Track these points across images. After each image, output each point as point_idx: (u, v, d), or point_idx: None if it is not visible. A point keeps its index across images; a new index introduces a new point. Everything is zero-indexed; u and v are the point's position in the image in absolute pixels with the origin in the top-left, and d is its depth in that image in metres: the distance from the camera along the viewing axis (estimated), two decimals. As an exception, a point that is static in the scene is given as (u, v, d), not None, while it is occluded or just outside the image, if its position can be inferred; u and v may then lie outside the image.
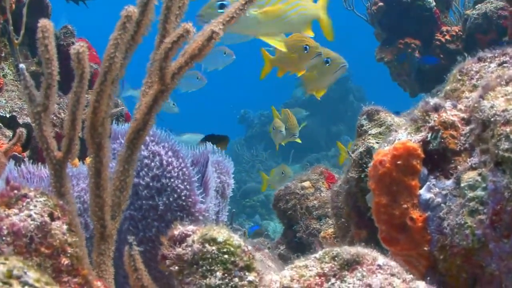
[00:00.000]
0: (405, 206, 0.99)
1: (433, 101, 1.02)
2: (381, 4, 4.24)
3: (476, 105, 0.95)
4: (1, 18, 2.43)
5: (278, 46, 2.36)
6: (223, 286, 0.81)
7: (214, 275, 0.81)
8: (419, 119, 1.03)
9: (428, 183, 0.99)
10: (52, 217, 0.88)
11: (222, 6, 1.99)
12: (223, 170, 1.58)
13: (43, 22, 0.87)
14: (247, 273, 0.82)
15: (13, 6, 2.44)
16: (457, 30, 4.12)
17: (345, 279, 0.82)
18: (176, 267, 0.85)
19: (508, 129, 0.88)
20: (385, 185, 1.00)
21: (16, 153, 1.97)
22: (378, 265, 0.83)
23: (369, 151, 1.62)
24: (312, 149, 10.03)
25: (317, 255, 0.86)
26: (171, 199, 1.42)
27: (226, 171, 1.59)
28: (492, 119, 0.91)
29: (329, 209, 2.07)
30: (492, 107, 0.92)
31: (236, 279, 0.81)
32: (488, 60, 1.08)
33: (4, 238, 0.84)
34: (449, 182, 0.97)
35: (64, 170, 0.98)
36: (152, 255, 1.43)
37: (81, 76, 0.90)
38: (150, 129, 1.00)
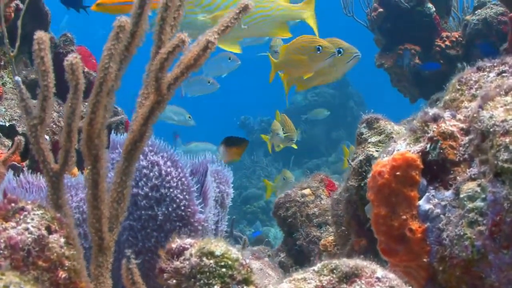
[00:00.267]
0: (404, 217, 0.98)
1: (432, 111, 1.01)
2: (381, 10, 4.24)
3: (475, 115, 0.95)
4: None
5: (234, 50, 2.32)
6: (221, 300, 0.80)
7: (211, 288, 0.81)
8: (418, 129, 1.02)
9: (427, 194, 0.98)
10: (49, 230, 0.88)
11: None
12: (222, 180, 1.58)
13: (39, 34, 0.87)
14: (245, 287, 0.81)
15: (12, 14, 2.43)
16: (457, 36, 4.11)
17: (343, 292, 0.82)
18: (174, 281, 0.84)
19: (507, 140, 0.87)
20: (384, 196, 1.00)
21: (15, 163, 1.97)
22: (377, 278, 0.83)
23: (368, 160, 1.62)
24: (312, 155, 10.02)
25: (315, 268, 0.86)
26: (170, 209, 1.42)
27: (225, 180, 1.59)
28: (491, 130, 0.90)
29: (330, 217, 2.06)
30: (491, 117, 0.91)
31: (234, 293, 0.81)
32: (487, 69, 1.07)
33: (1, 251, 0.83)
34: (448, 193, 0.97)
35: (61, 182, 0.97)
36: (151, 266, 1.42)
37: (75, 87, 0.90)
38: (147, 140, 0.99)
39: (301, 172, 8.41)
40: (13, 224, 0.86)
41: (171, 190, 1.41)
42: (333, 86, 11.07)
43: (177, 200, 1.41)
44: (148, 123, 0.97)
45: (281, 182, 4.33)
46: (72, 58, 0.88)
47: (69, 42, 2.93)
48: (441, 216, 0.96)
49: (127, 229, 1.44)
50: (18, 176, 1.57)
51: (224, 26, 0.95)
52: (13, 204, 0.88)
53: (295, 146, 4.01)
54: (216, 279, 0.81)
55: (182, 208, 1.41)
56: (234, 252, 0.83)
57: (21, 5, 2.53)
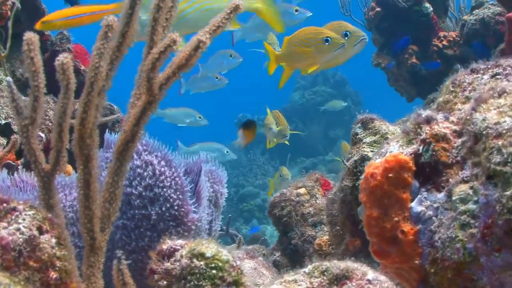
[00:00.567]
0: (396, 219, 0.98)
1: (425, 113, 1.01)
2: (378, 9, 4.24)
3: (468, 117, 0.95)
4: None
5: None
6: (211, 302, 0.80)
7: (202, 290, 0.81)
8: (411, 131, 1.02)
9: (419, 196, 0.98)
10: (40, 231, 0.88)
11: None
12: (216, 180, 1.58)
13: (28, 35, 0.86)
14: (235, 289, 0.81)
15: (9, 12, 2.43)
16: (454, 36, 4.11)
17: (334, 294, 0.82)
18: (165, 282, 0.84)
19: (500, 142, 0.87)
20: (377, 198, 0.99)
21: (10, 161, 1.96)
22: (368, 280, 0.83)
23: (363, 160, 1.61)
24: (309, 154, 10.03)
25: (306, 270, 0.86)
26: (163, 208, 1.42)
27: (219, 180, 1.59)
28: (484, 132, 0.90)
29: (325, 217, 2.06)
30: (484, 119, 0.91)
31: (224, 294, 0.81)
32: (481, 71, 1.07)
33: (-8, 252, 0.83)
34: (440, 195, 0.96)
35: (52, 182, 0.97)
36: (145, 265, 1.42)
37: (66, 87, 0.90)
38: (139, 140, 0.99)
39: (297, 170, 8.41)
40: (5, 224, 0.86)
41: (164, 189, 1.41)
42: (330, 85, 11.09)
43: (171, 200, 1.42)
44: (140, 124, 0.97)
45: (278, 179, 4.34)
46: (63, 57, 0.87)
47: (65, 40, 2.93)
48: (433, 218, 0.96)
49: (121, 228, 1.44)
50: (13, 174, 1.57)
51: (216, 26, 0.94)
52: (4, 205, 0.88)
53: (287, 142, 4.00)
54: (206, 280, 0.81)
55: (176, 207, 1.41)
56: (225, 253, 0.83)
57: (18, 4, 2.53)
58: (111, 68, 0.94)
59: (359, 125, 1.70)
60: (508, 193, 0.85)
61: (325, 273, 0.84)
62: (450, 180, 0.96)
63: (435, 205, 0.96)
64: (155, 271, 0.85)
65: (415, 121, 1.02)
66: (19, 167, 1.97)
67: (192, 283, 0.81)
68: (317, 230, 2.27)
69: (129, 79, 1.03)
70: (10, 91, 0.91)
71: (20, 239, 0.85)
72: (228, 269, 0.82)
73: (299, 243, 2.29)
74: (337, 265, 0.84)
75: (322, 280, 0.83)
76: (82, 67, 2.87)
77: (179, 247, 0.85)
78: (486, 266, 0.89)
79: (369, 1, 4.33)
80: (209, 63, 4.03)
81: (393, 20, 4.22)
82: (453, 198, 0.93)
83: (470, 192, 0.92)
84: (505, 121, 0.88)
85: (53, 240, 0.88)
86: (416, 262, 0.98)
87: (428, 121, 1.01)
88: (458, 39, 4.07)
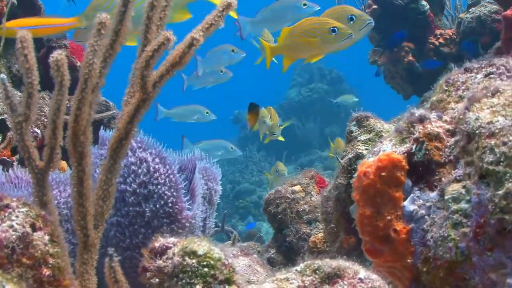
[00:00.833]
0: (389, 217, 0.98)
1: (418, 112, 1.01)
2: (375, 6, 4.24)
3: (461, 116, 0.95)
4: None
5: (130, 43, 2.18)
6: (203, 300, 0.80)
7: (194, 288, 0.81)
8: (404, 130, 1.02)
9: (412, 195, 0.98)
10: (34, 228, 0.88)
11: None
12: (210, 177, 1.58)
13: (21, 33, 0.86)
14: (227, 287, 0.81)
15: (4, 8, 2.42)
16: (450, 34, 4.11)
17: (326, 292, 0.82)
18: (157, 280, 0.84)
19: (492, 142, 0.87)
20: (369, 197, 1.00)
21: (5, 157, 1.96)
22: (360, 279, 0.83)
23: (358, 158, 1.62)
24: (305, 150, 10.03)
25: (298, 268, 0.86)
26: (157, 205, 1.42)
27: (213, 177, 1.59)
28: (477, 131, 0.90)
29: (319, 214, 2.06)
30: (477, 119, 0.91)
31: (216, 292, 0.81)
32: (475, 71, 1.07)
33: (-15, 249, 0.83)
34: (433, 194, 0.97)
35: (46, 179, 0.97)
36: (139, 262, 1.42)
37: (60, 83, 0.90)
38: (132, 138, 0.99)
39: (294, 167, 8.42)
40: (-2, 221, 0.86)
41: (159, 186, 1.42)
42: (327, 82, 11.09)
43: (165, 197, 1.42)
44: (134, 121, 0.97)
45: (274, 174, 4.35)
46: (57, 54, 0.88)
47: (61, 36, 2.93)
48: (426, 217, 0.96)
49: (115, 225, 1.44)
50: (8, 171, 1.57)
51: (209, 24, 0.94)
52: (-3, 201, 0.88)
53: (281, 138, 4.00)
54: (198, 278, 0.81)
55: (170, 205, 1.42)
56: (217, 251, 0.83)
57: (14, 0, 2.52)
58: (105, 65, 0.94)
59: (354, 123, 1.70)
60: (500, 192, 0.85)
61: (317, 271, 0.84)
62: (443, 179, 0.96)
63: (428, 204, 0.96)
64: (148, 268, 0.86)
65: (408, 120, 1.02)
66: (14, 163, 1.97)
67: (184, 281, 0.81)
68: (312, 228, 2.27)
69: (126, 76, 1.03)
70: (4, 88, 0.91)
71: (13, 236, 0.85)
72: (220, 267, 0.82)
73: (294, 241, 2.29)
74: (329, 264, 0.84)
75: (314, 279, 0.83)
76: (78, 63, 2.86)
77: (172, 245, 0.85)
78: (478, 265, 0.89)
79: (365, -2, 4.34)
80: (208, 58, 3.99)
81: (390, 17, 4.21)
82: (446, 197, 0.93)
83: (463, 191, 0.92)
84: (498, 121, 0.89)
85: (46, 237, 0.88)
86: (409, 261, 0.98)
87: (421, 120, 1.01)
88: (455, 37, 4.07)
